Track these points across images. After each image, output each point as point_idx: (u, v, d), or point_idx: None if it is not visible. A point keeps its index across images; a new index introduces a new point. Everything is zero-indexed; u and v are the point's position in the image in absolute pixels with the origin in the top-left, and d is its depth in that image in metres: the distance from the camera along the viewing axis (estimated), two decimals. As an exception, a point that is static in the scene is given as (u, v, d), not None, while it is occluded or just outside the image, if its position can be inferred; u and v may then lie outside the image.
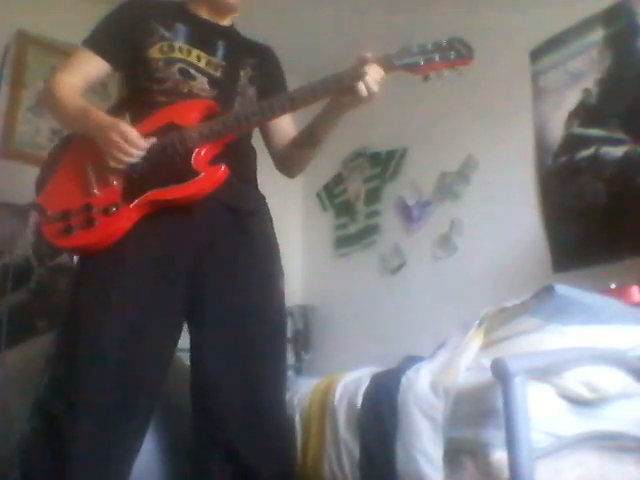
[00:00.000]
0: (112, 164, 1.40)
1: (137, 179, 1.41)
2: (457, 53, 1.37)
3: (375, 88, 1.36)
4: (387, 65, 1.39)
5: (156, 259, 1.40)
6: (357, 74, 1.36)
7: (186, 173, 1.40)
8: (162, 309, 1.39)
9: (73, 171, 1.48)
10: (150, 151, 1.41)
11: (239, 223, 1.49)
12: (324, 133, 1.55)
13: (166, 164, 1.41)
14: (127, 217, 1.40)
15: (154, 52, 1.53)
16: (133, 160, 1.39)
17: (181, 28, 1.58)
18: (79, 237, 1.41)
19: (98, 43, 1.57)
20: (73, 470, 1.26)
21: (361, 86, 1.36)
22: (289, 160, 1.67)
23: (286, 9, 3.23)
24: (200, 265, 1.43)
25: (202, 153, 1.42)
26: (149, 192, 1.40)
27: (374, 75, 1.36)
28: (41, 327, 2.52)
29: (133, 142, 1.38)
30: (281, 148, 1.65)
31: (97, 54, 1.56)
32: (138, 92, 1.55)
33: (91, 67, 1.57)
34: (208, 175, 1.40)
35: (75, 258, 1.65)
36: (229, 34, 1.66)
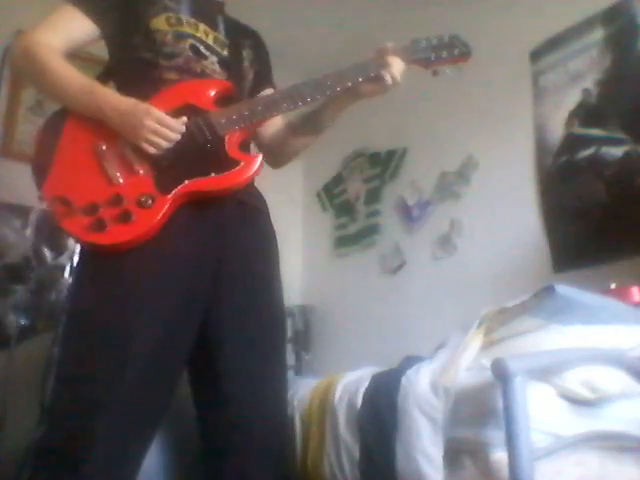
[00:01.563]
0: (150, 150, 1.29)
1: (167, 167, 1.31)
2: (459, 50, 1.45)
3: (400, 78, 1.40)
4: (405, 58, 1.43)
5: (185, 257, 1.32)
6: (383, 63, 1.39)
7: (224, 162, 1.32)
8: (185, 315, 1.32)
9: (80, 154, 1.33)
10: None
11: (248, 219, 1.44)
12: (332, 119, 1.52)
13: (197, 151, 1.32)
14: (164, 209, 1.28)
15: (159, 23, 1.41)
16: (170, 145, 1.30)
17: (183, 0, 1.47)
18: (117, 233, 1.26)
19: (87, 2, 1.40)
20: (89, 474, 1.20)
21: (387, 76, 1.38)
22: (284, 148, 1.60)
23: (286, 8, 3.23)
24: (219, 264, 1.37)
25: (233, 140, 1.35)
26: (187, 182, 1.30)
27: (398, 66, 1.40)
28: (41, 327, 2.53)
29: (172, 127, 1.29)
30: (270, 136, 1.58)
31: (85, 15, 1.39)
32: (137, 63, 1.41)
33: (76, 30, 1.40)
34: (248, 164, 1.33)
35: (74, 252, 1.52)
36: (223, 10, 1.58)
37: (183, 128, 1.31)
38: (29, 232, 2.72)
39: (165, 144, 1.30)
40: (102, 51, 1.52)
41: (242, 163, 1.33)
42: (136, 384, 1.24)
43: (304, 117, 1.54)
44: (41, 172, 1.32)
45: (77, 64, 1.38)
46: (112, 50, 1.49)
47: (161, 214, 1.28)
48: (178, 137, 1.31)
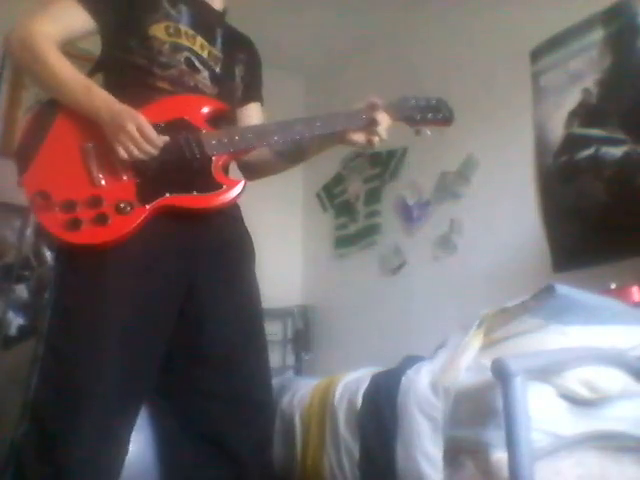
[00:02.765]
0: (122, 154, 1.29)
1: (150, 177, 1.32)
2: (443, 115, 1.52)
3: (386, 137, 1.45)
4: (393, 115, 1.47)
5: (159, 264, 1.35)
6: (373, 120, 1.43)
7: (207, 182, 1.35)
8: (161, 313, 1.35)
9: (67, 149, 1.33)
10: (165, 148, 1.32)
11: (227, 228, 1.47)
12: (317, 154, 1.57)
13: (183, 167, 1.34)
14: (141, 218, 1.30)
15: (158, 31, 1.42)
16: (144, 157, 1.30)
17: (184, 9, 1.47)
18: (90, 234, 1.28)
19: None
20: (70, 470, 1.23)
21: (374, 133, 1.43)
22: (264, 168, 1.63)
23: (286, 9, 3.23)
24: (196, 268, 1.40)
25: (219, 163, 1.38)
26: (168, 195, 1.32)
27: (385, 125, 1.45)
28: (41, 327, 2.53)
29: (150, 140, 1.29)
30: (252, 154, 1.59)
31: (83, 8, 1.39)
32: (130, 67, 1.41)
33: (74, 22, 1.40)
34: (230, 189, 1.36)
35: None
36: (223, 21, 1.59)
37: (161, 144, 1.32)
38: (29, 232, 2.72)
39: (137, 153, 1.30)
40: (99, 49, 1.52)
41: (224, 187, 1.36)
42: (114, 382, 1.27)
43: (290, 146, 1.56)
44: (24, 159, 1.33)
45: (75, 62, 1.38)
46: (106, 46, 1.49)
47: (137, 223, 1.30)
48: (153, 152, 1.31)
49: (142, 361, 1.33)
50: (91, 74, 1.43)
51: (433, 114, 1.52)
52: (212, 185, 1.35)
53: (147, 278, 1.33)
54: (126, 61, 1.43)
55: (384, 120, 1.45)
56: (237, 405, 1.39)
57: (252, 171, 1.63)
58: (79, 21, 1.41)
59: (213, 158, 1.37)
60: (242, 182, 1.38)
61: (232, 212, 1.50)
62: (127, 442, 1.34)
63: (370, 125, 1.44)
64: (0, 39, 1.46)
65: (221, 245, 1.45)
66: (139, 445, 1.39)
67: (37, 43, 1.35)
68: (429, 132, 1.53)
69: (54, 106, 1.38)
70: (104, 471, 1.29)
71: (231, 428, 1.38)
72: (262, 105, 1.66)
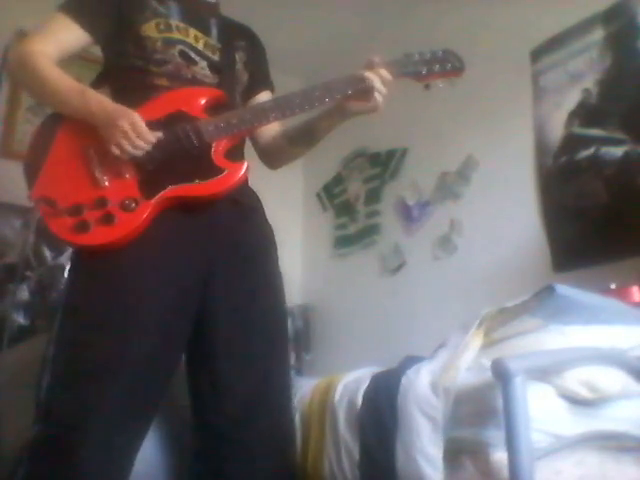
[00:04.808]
0: (115, 151, 1.31)
1: (152, 171, 1.33)
2: (452, 65, 1.47)
3: (385, 92, 1.40)
4: (394, 71, 1.43)
5: (173, 258, 1.34)
6: (369, 77, 1.39)
7: (208, 169, 1.35)
8: (179, 309, 1.35)
9: (71, 157, 1.36)
10: (164, 141, 1.34)
11: (244, 217, 1.46)
12: (325, 134, 1.54)
13: (183, 157, 1.34)
14: (146, 213, 1.31)
15: (149, 30, 1.44)
16: (137, 153, 1.31)
17: (173, 5, 1.49)
18: (99, 234, 1.30)
19: (78, 10, 1.43)
20: (84, 471, 1.23)
21: (373, 91, 1.39)
22: (279, 154, 1.63)
23: (286, 9, 3.23)
24: (213, 262, 1.39)
25: (220, 148, 1.37)
26: (171, 187, 1.33)
27: (385, 78, 1.40)
28: (41, 327, 2.53)
29: (142, 134, 1.30)
30: (267, 140, 1.60)
31: (76, 23, 1.42)
32: (129, 70, 1.44)
33: (68, 37, 1.43)
34: (233, 172, 1.36)
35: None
36: (217, 12, 1.60)
37: (154, 141, 1.33)
38: (29, 232, 2.72)
39: (131, 150, 1.31)
40: (99, 49, 1.53)
41: (226, 171, 1.35)
42: (127, 382, 1.27)
43: (299, 129, 1.56)
44: (32, 172, 1.36)
45: (76, 63, 1.39)
46: (106, 56, 1.52)
47: (143, 218, 1.31)
48: (147, 148, 1.32)
49: (158, 362, 1.32)
50: (96, 85, 1.45)
51: (441, 65, 1.47)
52: (214, 171, 1.35)
53: (160, 277, 1.33)
54: (125, 66, 1.45)
55: (384, 74, 1.41)
56: (256, 408, 1.38)
57: (270, 158, 1.64)
58: (73, 36, 1.43)
59: (212, 144, 1.37)
60: (245, 164, 1.38)
61: (250, 203, 1.50)
62: (140, 441, 1.33)
63: (371, 82, 1.39)
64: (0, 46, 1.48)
65: (237, 240, 1.43)
66: (146, 445, 1.38)
67: (31, 60, 1.37)
68: (441, 85, 1.47)
69: (56, 118, 1.41)
70: (118, 470, 1.29)
71: (251, 429, 1.37)
72: (273, 92, 1.65)
